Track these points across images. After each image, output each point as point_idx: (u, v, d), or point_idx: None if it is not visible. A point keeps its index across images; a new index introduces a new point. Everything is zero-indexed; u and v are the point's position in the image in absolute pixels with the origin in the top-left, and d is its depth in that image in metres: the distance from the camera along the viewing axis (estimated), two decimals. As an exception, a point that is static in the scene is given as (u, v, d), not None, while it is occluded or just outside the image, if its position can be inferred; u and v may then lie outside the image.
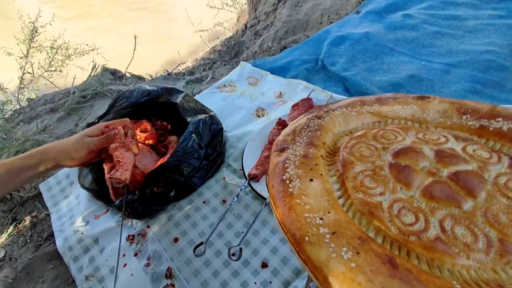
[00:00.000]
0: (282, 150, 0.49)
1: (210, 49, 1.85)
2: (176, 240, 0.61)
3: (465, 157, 0.41)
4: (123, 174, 0.57)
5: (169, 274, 0.56)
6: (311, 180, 0.42)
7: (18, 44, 1.56)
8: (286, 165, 0.45)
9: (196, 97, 0.96)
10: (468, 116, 0.49)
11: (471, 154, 0.42)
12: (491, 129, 0.46)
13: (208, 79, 1.16)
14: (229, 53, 1.60)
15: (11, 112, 1.20)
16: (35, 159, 0.52)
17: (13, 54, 1.55)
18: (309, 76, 0.96)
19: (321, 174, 0.43)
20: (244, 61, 1.09)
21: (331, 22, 1.31)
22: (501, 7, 0.99)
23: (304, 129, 0.51)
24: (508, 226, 0.33)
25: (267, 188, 0.44)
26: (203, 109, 0.79)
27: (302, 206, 0.38)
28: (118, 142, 0.60)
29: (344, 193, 0.41)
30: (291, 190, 0.40)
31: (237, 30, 1.83)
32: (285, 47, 1.22)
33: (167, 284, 0.55)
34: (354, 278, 0.31)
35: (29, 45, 1.49)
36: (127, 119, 0.64)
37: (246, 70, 1.04)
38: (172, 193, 0.66)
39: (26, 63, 1.49)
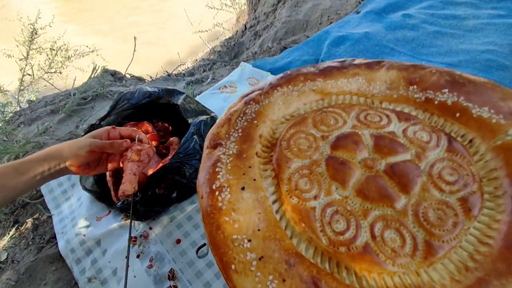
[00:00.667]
0: (214, 146, 0.45)
1: (210, 50, 1.85)
2: (178, 241, 0.61)
3: (404, 142, 0.40)
4: (125, 186, 0.56)
5: (171, 276, 0.56)
6: (243, 188, 0.39)
7: (18, 46, 1.55)
8: (217, 169, 0.41)
9: (197, 98, 0.96)
10: (415, 87, 0.47)
11: (411, 138, 0.41)
12: (436, 102, 0.44)
13: (209, 80, 1.16)
14: (229, 53, 1.60)
15: (11, 114, 1.20)
16: (40, 156, 0.52)
17: (13, 56, 1.55)
18: (310, 77, 0.96)
19: (254, 180, 0.40)
20: (244, 61, 1.09)
21: (331, 22, 1.31)
22: (501, 6, 0.99)
23: (240, 118, 0.47)
24: (435, 225, 0.33)
25: (198, 197, 0.41)
26: (204, 110, 0.79)
27: (230, 225, 0.36)
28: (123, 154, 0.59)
29: (279, 197, 0.39)
30: (220, 204, 0.38)
31: (237, 31, 1.83)
32: (285, 48, 1.22)
33: (170, 286, 0.55)
34: None
35: (29, 47, 1.49)
36: (138, 130, 0.64)
37: (246, 70, 1.04)
38: (174, 195, 0.66)
39: (26, 65, 1.48)
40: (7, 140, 0.97)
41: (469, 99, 0.42)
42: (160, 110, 0.80)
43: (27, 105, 1.28)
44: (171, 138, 0.77)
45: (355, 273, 0.32)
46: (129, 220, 0.66)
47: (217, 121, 0.49)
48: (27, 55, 1.48)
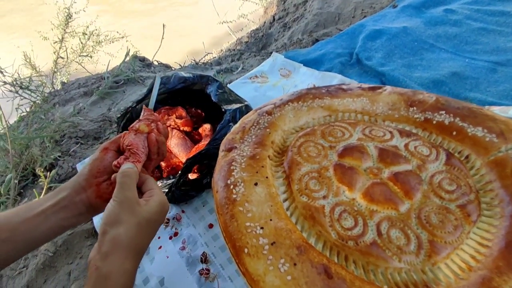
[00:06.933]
0: (230, 150, 0.47)
1: (236, 40, 1.85)
2: (211, 226, 0.62)
3: (406, 155, 0.43)
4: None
5: (204, 259, 0.57)
6: (256, 184, 0.41)
7: (52, 29, 1.60)
8: (232, 167, 0.44)
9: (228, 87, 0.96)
10: (415, 108, 0.50)
11: (412, 152, 0.43)
12: (434, 122, 0.47)
13: (239, 69, 1.15)
14: (256, 44, 1.59)
15: (46, 94, 1.25)
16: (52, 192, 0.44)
17: (48, 39, 1.60)
18: (344, 70, 0.94)
19: (267, 177, 0.42)
20: (275, 52, 1.08)
21: (364, 16, 1.27)
22: (555, 4, 0.93)
23: (254, 126, 0.50)
24: (437, 227, 0.35)
25: (213, 193, 0.43)
26: (238, 99, 0.79)
27: (244, 214, 0.38)
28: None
29: (290, 196, 0.41)
30: (234, 196, 0.40)
31: (264, 22, 1.81)
32: (317, 40, 1.19)
33: (203, 268, 0.56)
34: None
35: (64, 30, 1.53)
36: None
37: (278, 61, 1.03)
38: (207, 180, 0.66)
39: (60, 48, 1.53)
40: (44, 119, 1.01)
41: (464, 120, 0.45)
42: (193, 96, 0.80)
43: (61, 87, 1.32)
44: (204, 125, 0.77)
45: (362, 267, 0.34)
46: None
47: (231, 129, 0.52)
48: (62, 38, 1.53)
